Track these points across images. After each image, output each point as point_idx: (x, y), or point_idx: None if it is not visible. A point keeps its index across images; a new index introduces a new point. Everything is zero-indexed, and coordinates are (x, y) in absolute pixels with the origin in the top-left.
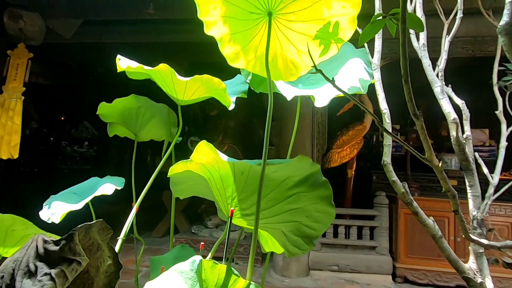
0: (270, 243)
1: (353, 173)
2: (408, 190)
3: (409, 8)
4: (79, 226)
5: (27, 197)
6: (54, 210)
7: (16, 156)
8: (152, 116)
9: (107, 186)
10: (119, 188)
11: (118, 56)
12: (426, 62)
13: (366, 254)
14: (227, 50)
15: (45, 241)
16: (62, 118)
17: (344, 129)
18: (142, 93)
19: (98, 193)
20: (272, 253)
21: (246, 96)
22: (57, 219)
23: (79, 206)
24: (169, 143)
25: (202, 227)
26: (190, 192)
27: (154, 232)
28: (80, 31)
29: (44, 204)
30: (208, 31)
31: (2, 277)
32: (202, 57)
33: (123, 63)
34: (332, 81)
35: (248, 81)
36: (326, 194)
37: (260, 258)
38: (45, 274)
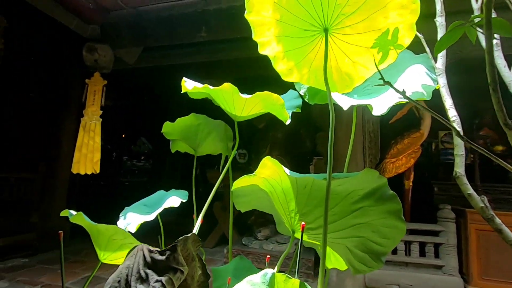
0: (333, 259)
1: (410, 184)
2: (488, 204)
3: (477, 5)
4: (180, 238)
5: (97, 207)
6: (130, 220)
7: (98, 171)
8: (210, 132)
9: (174, 199)
10: (184, 200)
11: (184, 78)
12: (501, 63)
13: (431, 273)
14: (281, 67)
15: (150, 251)
16: (123, 136)
17: (399, 138)
18: (194, 110)
19: (166, 205)
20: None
21: (300, 111)
22: (133, 229)
23: (151, 217)
24: (227, 157)
25: (252, 239)
26: (251, 205)
27: (206, 242)
28: (140, 57)
29: (120, 215)
30: (263, 51)
31: (119, 281)
32: (250, 72)
33: (189, 85)
34: (403, 93)
35: (302, 93)
36: (395, 208)
37: (312, 273)
38: (157, 281)
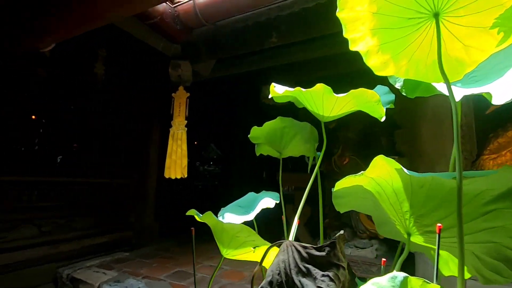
0: (451, 266)
1: None
2: None
3: None
4: (337, 235)
5: (179, 209)
6: (229, 220)
7: (186, 175)
8: (295, 134)
9: (268, 200)
10: (277, 202)
11: (273, 83)
12: None
13: None
14: (374, 61)
15: (304, 247)
16: (195, 143)
17: (500, 130)
18: (261, 115)
19: (262, 206)
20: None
21: (393, 106)
22: None
23: (251, 217)
24: (314, 158)
25: None
26: (351, 206)
27: None
28: (213, 68)
29: (218, 215)
30: (354, 47)
31: (279, 273)
32: (319, 72)
33: (279, 89)
34: None
35: (399, 87)
36: None
37: None
38: (323, 275)
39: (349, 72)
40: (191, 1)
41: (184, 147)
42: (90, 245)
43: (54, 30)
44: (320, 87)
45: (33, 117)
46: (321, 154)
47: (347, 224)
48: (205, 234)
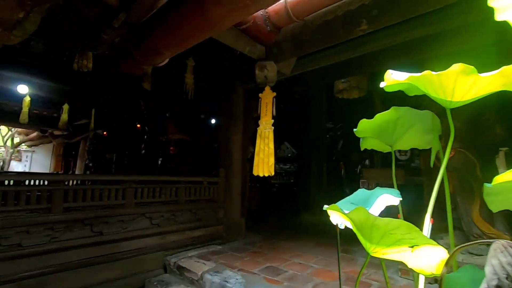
0: None
1: None
2: None
3: None
4: None
5: (259, 205)
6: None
7: (273, 173)
8: (411, 125)
9: (389, 197)
10: (400, 199)
11: (389, 70)
12: None
13: None
14: None
15: None
16: None
17: None
18: (329, 112)
19: (385, 203)
20: None
21: None
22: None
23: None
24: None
25: None
26: (505, 205)
27: None
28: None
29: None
30: (502, 14)
31: (507, 277)
32: (387, 62)
33: (399, 76)
34: None
35: None
36: None
37: None
38: None
39: (425, 57)
40: (283, 1)
41: (271, 145)
42: (190, 237)
43: (171, 45)
44: (459, 67)
45: (138, 126)
46: (449, 147)
47: (456, 226)
48: (284, 232)
